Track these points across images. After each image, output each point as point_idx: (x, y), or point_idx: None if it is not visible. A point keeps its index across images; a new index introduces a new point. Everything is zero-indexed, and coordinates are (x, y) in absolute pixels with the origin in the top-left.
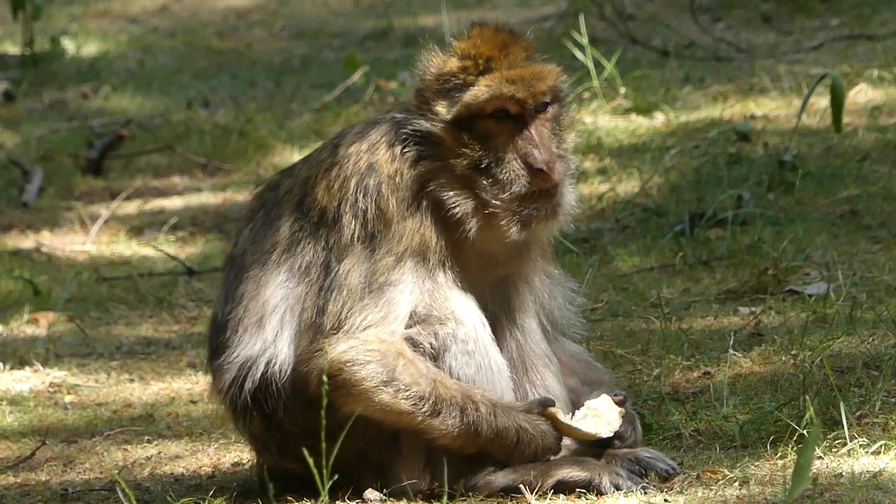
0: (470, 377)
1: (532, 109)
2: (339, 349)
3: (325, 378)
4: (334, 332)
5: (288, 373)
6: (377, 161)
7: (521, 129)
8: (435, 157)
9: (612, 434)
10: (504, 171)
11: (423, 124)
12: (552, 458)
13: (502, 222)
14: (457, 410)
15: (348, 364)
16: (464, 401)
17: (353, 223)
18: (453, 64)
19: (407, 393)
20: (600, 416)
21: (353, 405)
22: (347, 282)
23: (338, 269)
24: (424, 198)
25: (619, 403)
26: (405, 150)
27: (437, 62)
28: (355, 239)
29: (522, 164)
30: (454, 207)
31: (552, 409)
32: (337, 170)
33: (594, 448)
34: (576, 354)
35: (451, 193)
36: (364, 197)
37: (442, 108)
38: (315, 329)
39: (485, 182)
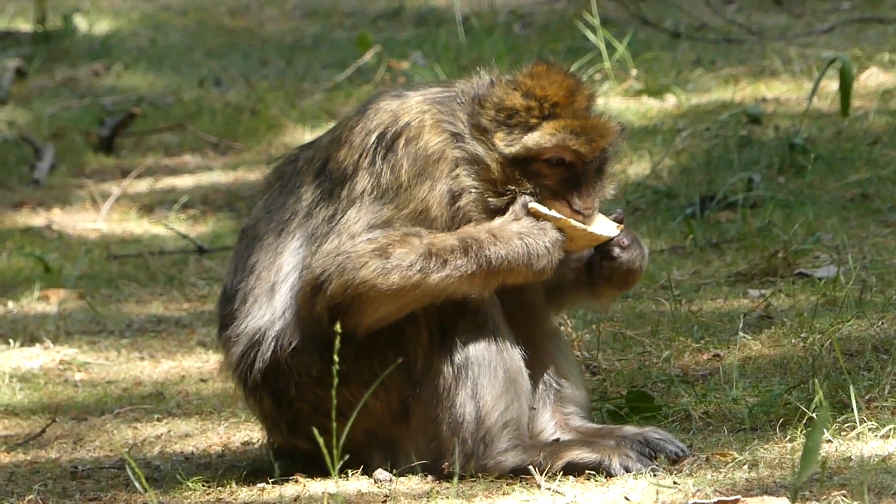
0: (481, 353)
1: (587, 161)
2: (333, 275)
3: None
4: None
5: (297, 343)
6: (406, 121)
7: (572, 176)
8: (476, 178)
9: (608, 236)
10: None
11: (479, 150)
12: (562, 438)
13: None
14: (460, 251)
15: (349, 282)
16: (461, 241)
17: (368, 179)
18: (517, 100)
19: (409, 261)
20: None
21: (371, 312)
22: (347, 228)
23: (341, 218)
24: (451, 190)
25: (618, 220)
26: (447, 138)
27: (498, 92)
28: (365, 192)
29: (565, 207)
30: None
31: (533, 206)
32: (361, 125)
33: (593, 257)
34: None
35: (478, 215)
36: (383, 155)
37: (500, 142)
38: (309, 272)
39: None
